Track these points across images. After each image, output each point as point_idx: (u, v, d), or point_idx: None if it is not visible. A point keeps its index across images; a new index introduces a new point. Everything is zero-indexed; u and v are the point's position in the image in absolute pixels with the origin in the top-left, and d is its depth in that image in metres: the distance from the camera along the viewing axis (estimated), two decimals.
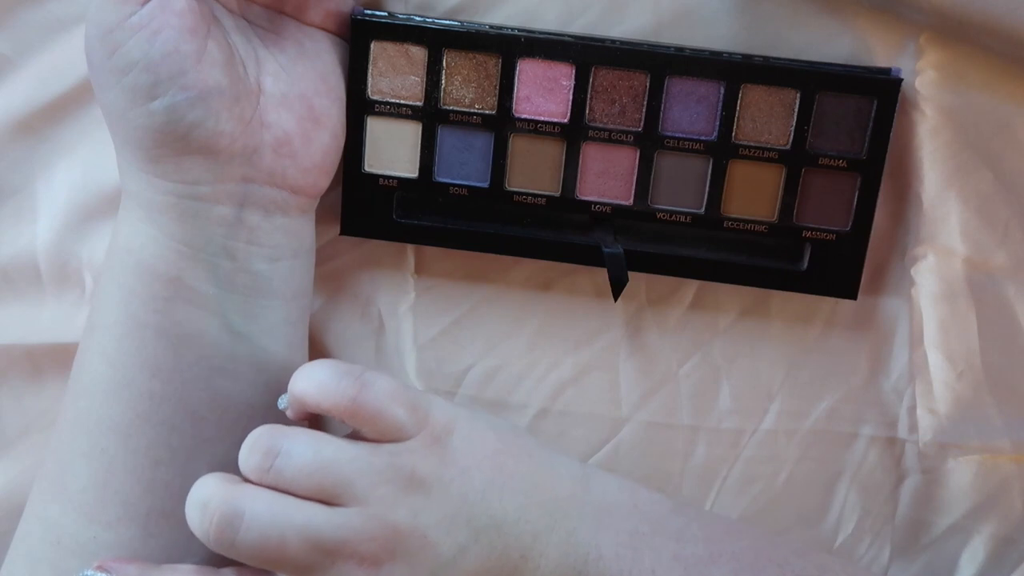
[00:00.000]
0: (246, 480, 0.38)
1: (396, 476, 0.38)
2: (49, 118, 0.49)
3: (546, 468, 0.41)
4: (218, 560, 0.40)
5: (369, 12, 0.45)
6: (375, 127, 0.46)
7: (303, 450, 0.38)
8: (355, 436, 0.39)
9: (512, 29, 0.45)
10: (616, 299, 0.46)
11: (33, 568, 0.43)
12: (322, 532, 0.37)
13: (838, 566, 0.44)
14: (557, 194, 0.46)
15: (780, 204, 0.45)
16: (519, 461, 0.41)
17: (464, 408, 0.42)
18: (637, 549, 0.41)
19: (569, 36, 0.44)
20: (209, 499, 0.37)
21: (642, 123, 0.45)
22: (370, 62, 0.45)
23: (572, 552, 0.40)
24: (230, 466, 0.41)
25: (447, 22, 0.45)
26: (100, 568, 0.39)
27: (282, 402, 0.41)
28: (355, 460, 0.38)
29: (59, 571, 0.42)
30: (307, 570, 0.37)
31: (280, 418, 0.40)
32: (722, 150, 0.45)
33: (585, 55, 0.44)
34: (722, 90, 0.44)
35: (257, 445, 0.38)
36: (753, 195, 0.45)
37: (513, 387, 0.49)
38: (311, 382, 0.39)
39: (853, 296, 0.46)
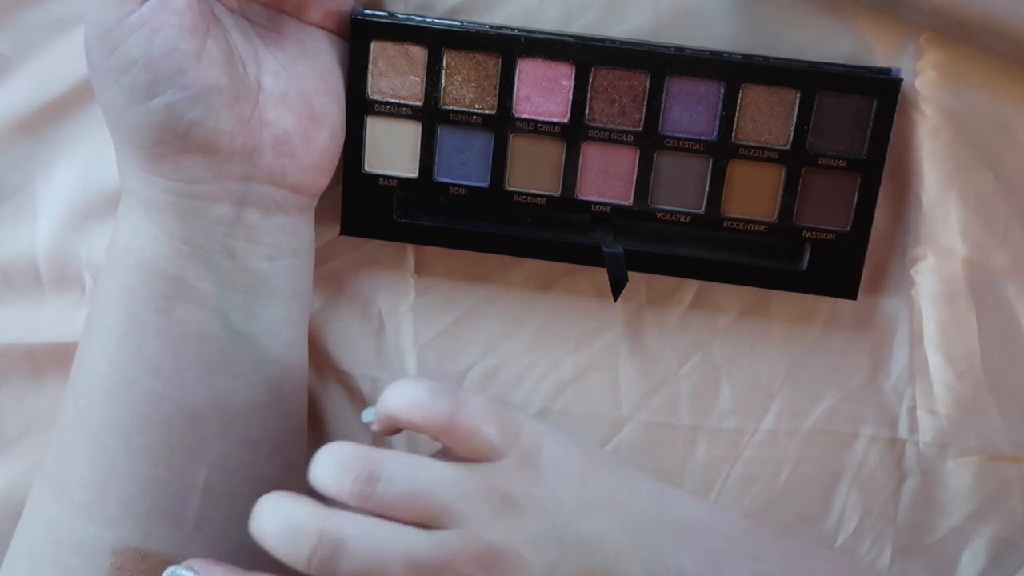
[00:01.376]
0: (332, 501, 0.37)
1: (491, 496, 0.38)
2: (49, 118, 0.49)
3: (626, 484, 0.41)
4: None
5: (369, 12, 0.45)
6: (375, 127, 0.46)
7: (402, 475, 0.37)
8: (446, 454, 0.39)
9: (512, 29, 0.45)
10: (616, 299, 0.46)
11: (34, 567, 0.43)
12: (423, 557, 0.36)
13: None
14: (557, 194, 0.46)
15: (780, 204, 0.45)
16: (603, 477, 0.41)
17: (547, 425, 0.41)
18: (717, 566, 0.40)
19: (569, 36, 0.44)
20: (304, 525, 0.36)
21: (642, 123, 0.45)
22: (370, 62, 0.45)
23: (654, 569, 0.40)
24: (231, 465, 0.41)
25: (447, 22, 0.45)
26: (188, 567, 0.39)
27: (368, 415, 0.40)
28: (452, 482, 0.37)
29: (60, 570, 0.42)
30: None
31: (281, 418, 0.40)
32: (722, 150, 0.45)
33: (585, 55, 0.44)
34: (722, 90, 0.44)
35: (351, 468, 0.37)
36: (753, 195, 0.45)
37: (513, 387, 0.49)
38: (405, 399, 0.38)
39: (853, 296, 0.46)
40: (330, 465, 0.37)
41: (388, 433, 0.40)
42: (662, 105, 0.44)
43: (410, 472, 0.37)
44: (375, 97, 0.45)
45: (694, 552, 0.40)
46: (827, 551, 0.45)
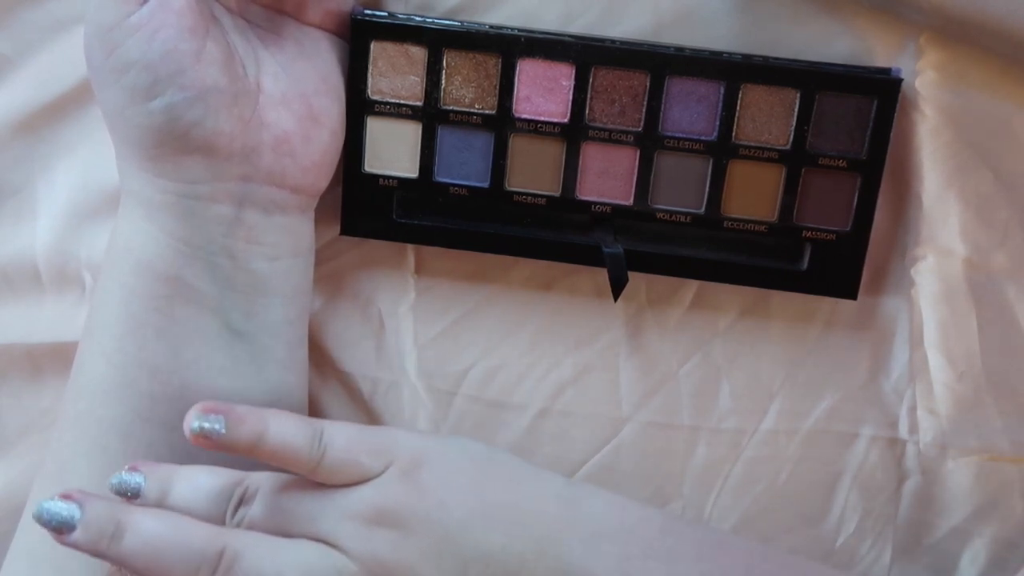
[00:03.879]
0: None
1: (360, 513, 0.38)
2: (49, 118, 0.49)
3: (530, 491, 0.41)
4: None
5: (369, 12, 0.45)
6: (375, 127, 0.46)
7: (271, 494, 0.39)
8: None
9: (512, 29, 0.45)
10: (616, 299, 0.46)
11: (34, 567, 0.43)
12: (316, 569, 0.37)
13: None
14: (557, 194, 0.46)
15: (780, 204, 0.45)
16: (500, 487, 0.40)
17: (436, 437, 0.42)
18: (627, 573, 0.40)
19: (569, 36, 0.44)
20: (204, 545, 0.37)
21: (642, 123, 0.45)
22: (370, 62, 0.45)
23: None
24: (231, 464, 0.41)
25: (447, 22, 0.45)
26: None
27: (195, 423, 0.39)
28: (322, 502, 0.38)
29: (60, 570, 0.42)
30: None
31: None
32: (722, 150, 0.45)
33: (585, 55, 0.44)
34: (722, 90, 0.44)
35: (223, 494, 0.39)
36: (753, 195, 0.45)
37: (513, 387, 0.49)
38: (277, 444, 0.39)
39: (853, 296, 0.46)
40: (199, 491, 0.39)
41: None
42: (662, 105, 0.44)
43: (272, 492, 0.39)
44: (375, 97, 0.45)
45: (605, 560, 0.39)
46: (754, 545, 0.44)
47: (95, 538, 0.37)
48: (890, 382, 0.48)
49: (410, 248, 0.49)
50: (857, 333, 0.48)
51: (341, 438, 0.39)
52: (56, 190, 0.50)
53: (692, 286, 0.48)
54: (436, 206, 0.47)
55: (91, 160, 0.49)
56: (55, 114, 0.49)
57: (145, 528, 0.37)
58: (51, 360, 0.51)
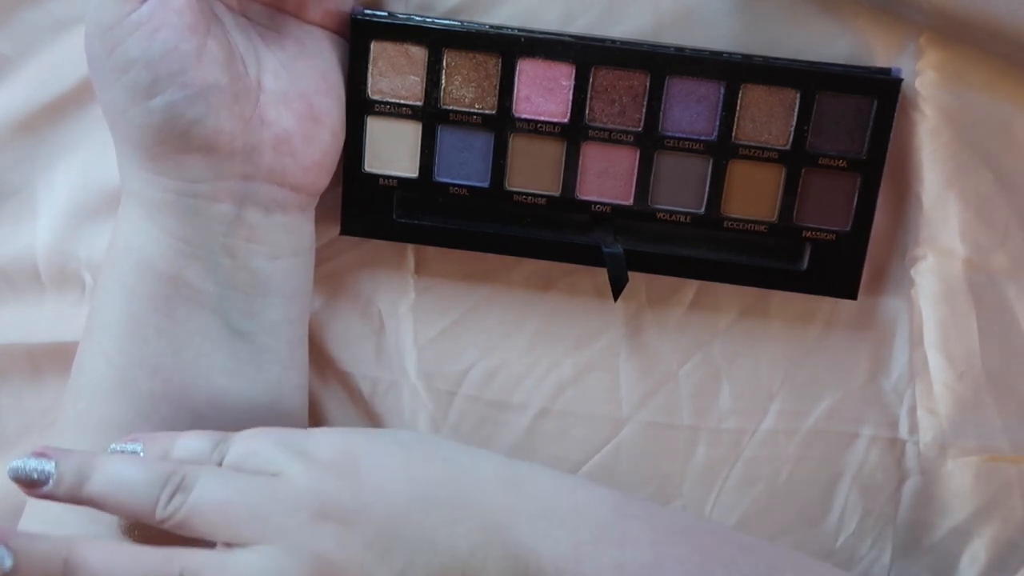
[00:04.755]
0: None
1: (306, 507, 0.36)
2: (49, 118, 0.49)
3: (469, 475, 0.39)
4: None
5: (369, 12, 0.45)
6: (375, 127, 0.46)
7: (211, 487, 0.36)
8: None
9: (512, 29, 0.45)
10: (616, 299, 0.46)
11: None
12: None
13: (789, 561, 0.42)
14: (557, 194, 0.46)
15: (780, 204, 0.45)
16: (438, 472, 0.39)
17: (360, 430, 0.40)
18: (579, 561, 0.38)
19: (569, 36, 0.44)
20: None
21: (642, 123, 0.45)
22: (370, 62, 0.45)
23: (512, 565, 0.38)
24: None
25: (447, 22, 0.45)
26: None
27: (116, 448, 0.39)
28: (264, 493, 0.36)
29: None
30: None
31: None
32: (722, 150, 0.45)
33: (585, 55, 0.44)
34: (722, 90, 0.44)
35: (157, 480, 0.36)
36: (753, 195, 0.45)
37: (513, 387, 0.49)
38: (186, 447, 0.38)
39: (853, 296, 0.46)
40: (133, 470, 0.36)
41: None
42: (662, 105, 0.44)
43: (219, 484, 0.36)
44: (375, 97, 0.45)
45: (555, 544, 0.38)
46: (712, 526, 0.43)
47: None
48: (890, 382, 0.48)
49: (410, 248, 0.49)
50: (857, 333, 0.48)
51: (246, 443, 0.38)
52: (56, 190, 0.50)
53: (692, 286, 0.48)
54: (436, 206, 0.47)
55: (91, 160, 0.49)
56: (55, 114, 0.49)
57: (96, 559, 0.35)
58: (51, 360, 0.51)
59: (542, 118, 0.45)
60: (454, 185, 0.46)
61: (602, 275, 0.47)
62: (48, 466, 0.36)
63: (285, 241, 0.43)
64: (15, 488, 0.50)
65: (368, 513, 0.37)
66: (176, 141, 0.40)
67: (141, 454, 0.38)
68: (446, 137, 0.46)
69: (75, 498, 0.36)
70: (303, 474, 0.37)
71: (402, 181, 0.46)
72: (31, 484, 0.37)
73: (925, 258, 0.46)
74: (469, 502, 0.38)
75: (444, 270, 0.49)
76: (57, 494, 0.36)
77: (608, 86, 0.45)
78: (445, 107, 0.45)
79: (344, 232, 0.47)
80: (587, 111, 0.45)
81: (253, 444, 0.38)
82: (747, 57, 0.44)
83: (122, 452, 0.39)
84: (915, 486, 0.48)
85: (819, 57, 0.44)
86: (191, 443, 0.39)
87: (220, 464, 0.38)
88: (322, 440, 0.39)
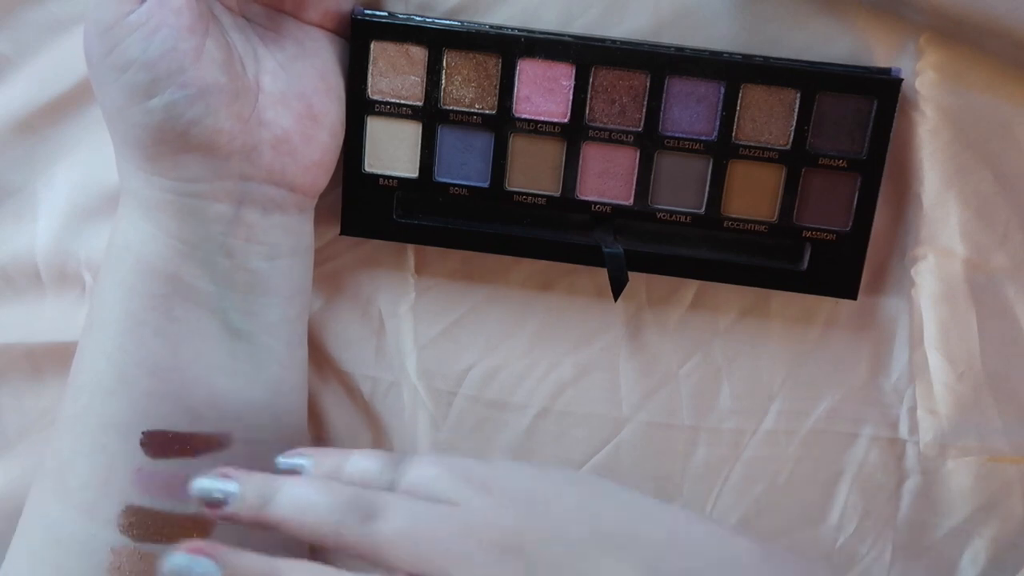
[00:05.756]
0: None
1: (487, 539, 0.35)
2: (49, 118, 0.49)
3: (642, 515, 0.38)
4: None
5: (369, 12, 0.45)
6: (375, 127, 0.46)
7: (402, 514, 0.36)
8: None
9: (512, 29, 0.45)
10: (616, 299, 0.46)
11: (34, 567, 0.43)
12: None
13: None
14: (557, 194, 0.46)
15: (780, 204, 0.45)
16: (608, 510, 0.38)
17: (530, 463, 0.40)
18: None
19: (569, 36, 0.44)
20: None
21: (642, 123, 0.45)
22: (370, 62, 0.45)
23: None
24: (230, 464, 0.41)
25: (447, 22, 0.45)
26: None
27: (286, 462, 0.39)
28: (453, 523, 0.35)
29: (59, 570, 0.42)
30: None
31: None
32: (722, 150, 0.45)
33: (585, 55, 0.44)
34: (722, 90, 0.44)
35: (343, 500, 0.36)
36: (753, 195, 0.45)
37: (513, 387, 0.49)
38: (358, 467, 0.38)
39: (853, 296, 0.46)
40: (318, 494, 0.36)
41: None
42: (662, 105, 0.44)
43: (406, 512, 0.36)
44: (375, 97, 0.45)
45: None
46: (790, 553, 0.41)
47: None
48: (890, 382, 0.48)
49: (410, 248, 0.49)
50: (857, 333, 0.48)
51: (422, 469, 0.37)
52: (56, 190, 0.50)
53: (692, 286, 0.48)
54: (436, 206, 0.47)
55: (91, 160, 0.49)
56: (55, 114, 0.49)
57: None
58: (51, 360, 0.51)
59: (542, 118, 0.45)
60: (454, 185, 0.46)
61: (602, 275, 0.47)
62: (231, 487, 0.36)
63: (284, 241, 0.43)
64: (15, 488, 0.50)
65: (551, 548, 0.36)
66: (175, 141, 0.40)
67: (309, 467, 0.38)
68: (446, 137, 0.46)
69: (258, 520, 0.36)
70: (486, 507, 0.36)
71: (402, 181, 0.46)
72: (214, 504, 0.36)
73: (925, 258, 0.46)
74: (637, 543, 0.37)
75: (444, 270, 0.49)
76: (240, 515, 0.36)
77: (608, 86, 0.45)
78: (445, 107, 0.45)
79: (344, 232, 0.47)
80: (587, 111, 0.45)
81: (431, 471, 0.37)
82: (747, 57, 0.44)
83: (291, 465, 0.38)
84: (915, 486, 0.48)
85: (819, 57, 0.44)
86: (364, 463, 0.38)
87: (391, 486, 0.37)
88: (500, 472, 0.38)
